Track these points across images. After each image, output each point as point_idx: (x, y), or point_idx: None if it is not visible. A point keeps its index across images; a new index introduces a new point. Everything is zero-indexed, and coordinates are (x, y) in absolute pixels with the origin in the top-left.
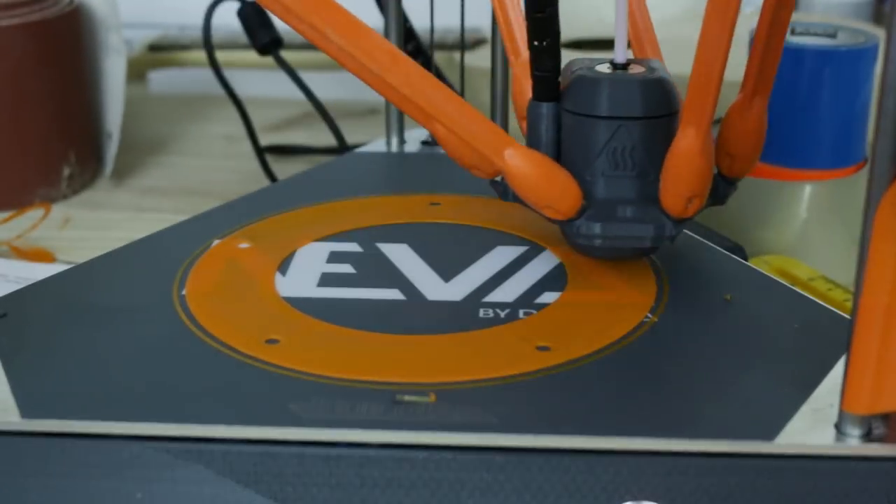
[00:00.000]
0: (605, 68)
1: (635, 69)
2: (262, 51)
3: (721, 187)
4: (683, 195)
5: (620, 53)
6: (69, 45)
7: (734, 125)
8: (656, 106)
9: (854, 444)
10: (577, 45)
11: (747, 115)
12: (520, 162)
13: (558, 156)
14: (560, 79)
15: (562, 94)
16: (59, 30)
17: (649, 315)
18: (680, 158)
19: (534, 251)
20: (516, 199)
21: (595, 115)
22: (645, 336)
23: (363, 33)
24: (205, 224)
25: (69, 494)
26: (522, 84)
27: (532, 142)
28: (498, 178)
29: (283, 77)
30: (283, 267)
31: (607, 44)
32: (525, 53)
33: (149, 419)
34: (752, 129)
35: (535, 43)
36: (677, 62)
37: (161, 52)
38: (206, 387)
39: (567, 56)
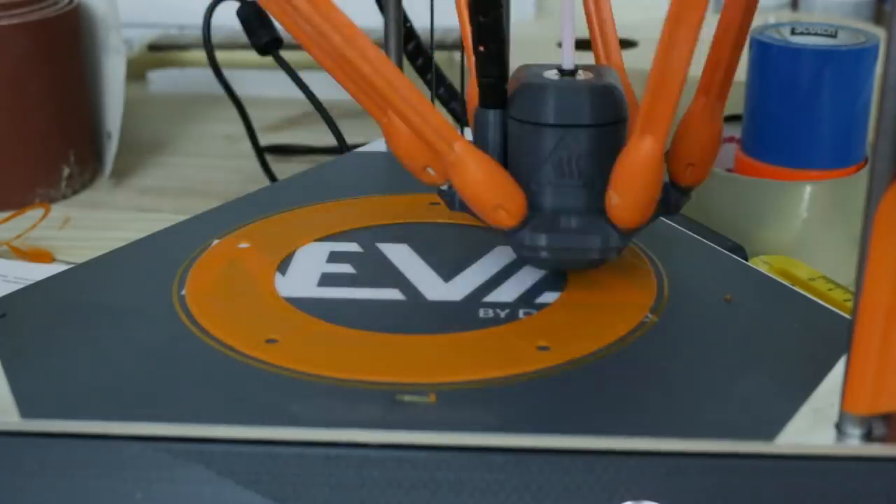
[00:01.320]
0: (552, 75)
1: (584, 76)
2: (262, 51)
3: (673, 197)
4: (634, 207)
5: (568, 59)
6: (69, 44)
7: (695, 132)
8: (604, 113)
9: (854, 445)
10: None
11: (710, 120)
12: (469, 156)
13: (505, 164)
14: (507, 85)
15: (508, 100)
16: (58, 29)
17: (649, 315)
18: (635, 168)
19: None
20: (463, 207)
21: (541, 123)
22: (645, 336)
23: (325, 2)
24: (205, 224)
25: (69, 494)
26: (474, 91)
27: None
28: (445, 187)
29: (283, 77)
30: (283, 267)
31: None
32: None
33: (149, 419)
34: (714, 135)
35: (480, 49)
36: None
37: (161, 52)
38: (206, 387)
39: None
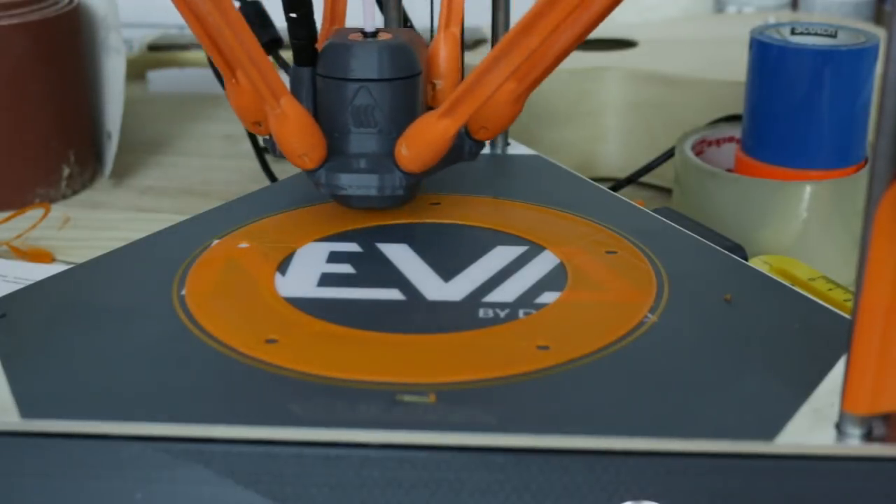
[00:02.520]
0: (356, 36)
1: (382, 37)
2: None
3: (468, 146)
4: (420, 161)
5: (368, 22)
6: (69, 44)
7: (498, 109)
8: (396, 69)
9: (854, 445)
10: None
11: (514, 103)
12: (290, 109)
13: (316, 116)
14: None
15: (318, 59)
16: (58, 29)
17: (649, 315)
18: (427, 137)
19: (534, 251)
20: (281, 154)
21: (341, 78)
22: (645, 336)
23: None
24: (205, 224)
25: (69, 494)
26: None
27: None
28: (268, 136)
29: (282, 77)
30: (283, 267)
31: (608, 44)
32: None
33: (149, 419)
34: (514, 114)
35: (292, 15)
36: (678, 62)
37: (161, 52)
38: (206, 387)
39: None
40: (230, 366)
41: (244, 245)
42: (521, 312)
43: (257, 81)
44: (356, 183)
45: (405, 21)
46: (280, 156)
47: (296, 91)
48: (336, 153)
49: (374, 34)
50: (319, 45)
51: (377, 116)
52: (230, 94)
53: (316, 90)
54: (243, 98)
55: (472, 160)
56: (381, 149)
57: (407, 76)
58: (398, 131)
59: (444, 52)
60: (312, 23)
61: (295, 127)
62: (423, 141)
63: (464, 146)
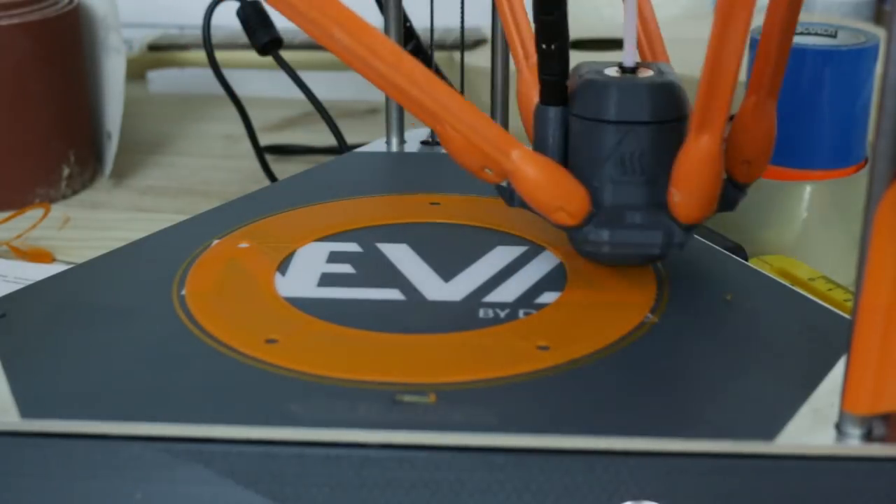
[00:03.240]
0: (613, 72)
1: (644, 73)
2: (262, 51)
3: (730, 193)
4: (695, 203)
5: (629, 57)
6: (69, 44)
7: (748, 129)
8: (666, 110)
9: (854, 445)
10: (578, 44)
11: (762, 118)
12: (527, 164)
13: (565, 161)
14: (567, 83)
15: (570, 98)
16: (58, 29)
17: (649, 315)
18: (693, 165)
19: (534, 251)
20: (522, 203)
21: (603, 120)
22: (645, 336)
23: (368, 32)
24: (205, 224)
25: (69, 494)
26: (529, 88)
27: (539, 146)
28: (504, 184)
29: (283, 77)
30: (283, 267)
31: (608, 43)
32: (534, 57)
33: (149, 419)
34: (767, 133)
35: (543, 46)
36: (678, 62)
37: (161, 52)
38: (206, 387)
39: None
40: (230, 366)
41: (244, 245)
42: (521, 312)
43: (474, 141)
44: (637, 240)
45: (405, 21)
46: (520, 205)
47: (540, 133)
48: (595, 205)
49: (634, 69)
50: (535, 79)
51: (645, 164)
52: (443, 142)
53: (567, 133)
54: (457, 145)
55: (732, 209)
56: (649, 199)
57: (677, 118)
58: (665, 180)
59: None
60: (567, 57)
61: (542, 180)
62: (691, 173)
63: (726, 193)
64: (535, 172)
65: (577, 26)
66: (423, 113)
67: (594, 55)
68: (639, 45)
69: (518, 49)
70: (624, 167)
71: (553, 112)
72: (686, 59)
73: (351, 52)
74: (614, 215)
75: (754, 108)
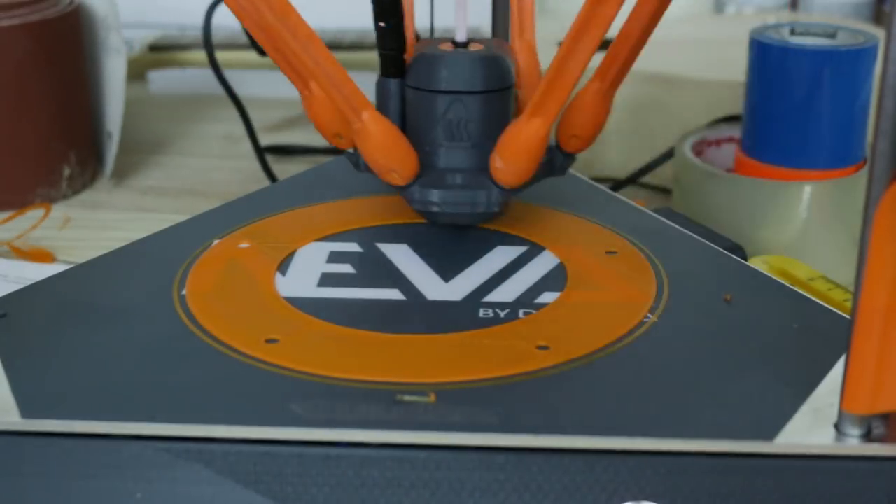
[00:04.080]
0: (446, 47)
1: (475, 47)
2: (262, 51)
3: (559, 159)
4: (516, 172)
5: (461, 33)
6: (69, 45)
7: (586, 110)
8: (490, 81)
9: (854, 444)
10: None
11: (600, 103)
12: (373, 125)
13: (404, 129)
14: (405, 56)
15: (406, 70)
16: (59, 30)
17: (649, 315)
18: (521, 143)
19: (534, 251)
20: (367, 168)
21: (433, 90)
22: (645, 336)
23: None
24: (205, 224)
25: (69, 494)
26: (314, 103)
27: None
28: (351, 151)
29: (283, 77)
30: (283, 267)
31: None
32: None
33: (149, 419)
34: (602, 115)
35: (381, 24)
36: (678, 62)
37: (161, 52)
38: (206, 387)
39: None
40: (230, 366)
41: (244, 245)
42: (521, 312)
43: (334, 96)
44: (452, 200)
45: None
46: (365, 170)
47: (382, 103)
48: (427, 168)
49: (466, 44)
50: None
51: (471, 130)
52: (306, 106)
53: (405, 102)
54: (320, 110)
55: (562, 175)
56: (475, 164)
57: (502, 88)
58: (491, 146)
59: (522, 62)
60: (402, 33)
61: (381, 141)
62: (516, 148)
63: (554, 160)
64: (377, 133)
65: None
66: (295, 70)
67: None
68: (511, 24)
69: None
70: (452, 133)
71: (392, 84)
72: (685, 60)
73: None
74: (440, 176)
75: (595, 94)
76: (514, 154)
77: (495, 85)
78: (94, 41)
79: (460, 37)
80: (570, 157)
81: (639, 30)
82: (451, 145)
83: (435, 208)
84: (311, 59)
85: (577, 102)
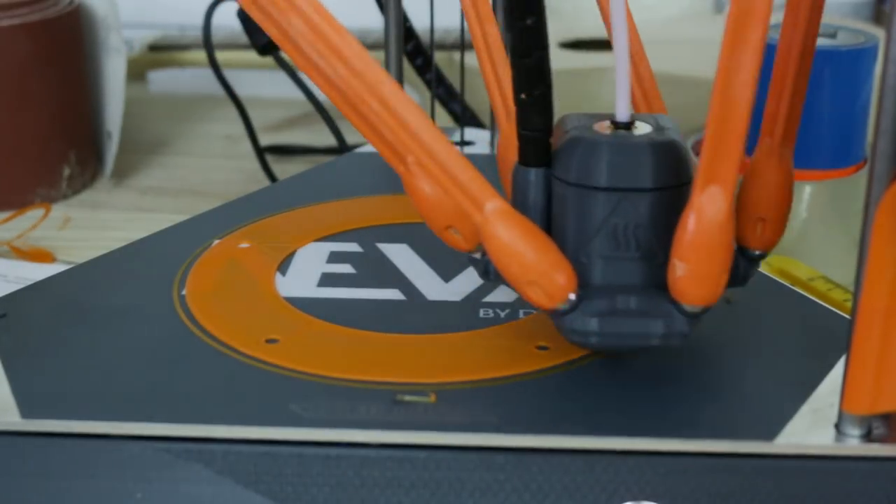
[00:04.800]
0: (604, 127)
1: (641, 128)
2: (262, 51)
3: (741, 265)
4: (704, 277)
5: (623, 110)
6: (69, 45)
7: (763, 179)
8: (667, 175)
9: (854, 445)
10: (578, 44)
11: (778, 165)
12: (502, 221)
13: (549, 231)
14: (551, 139)
15: (553, 157)
16: (59, 30)
17: None
18: (702, 233)
19: None
20: (498, 276)
21: (593, 186)
22: None
23: (332, 25)
24: (205, 224)
25: (69, 494)
26: (509, 144)
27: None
28: (477, 254)
29: (283, 77)
30: (283, 267)
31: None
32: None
33: (149, 419)
34: (785, 183)
35: (522, 96)
36: (678, 62)
37: (161, 52)
38: (206, 387)
39: (566, 57)
40: (230, 366)
41: (244, 245)
42: (521, 312)
43: (445, 183)
44: (631, 330)
45: (405, 21)
46: (497, 280)
47: (519, 197)
48: (583, 285)
49: (629, 125)
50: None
51: (642, 237)
52: (406, 186)
53: (551, 199)
54: (423, 193)
55: (741, 286)
56: (646, 279)
57: (681, 184)
58: (665, 256)
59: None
60: (550, 108)
61: (519, 244)
62: (699, 240)
63: (737, 266)
64: (509, 233)
65: (577, 26)
66: (385, 141)
67: (595, 55)
68: (634, 101)
69: (497, 98)
70: (617, 241)
71: (534, 174)
72: (686, 60)
73: (306, 43)
74: (605, 299)
75: (768, 154)
76: (696, 249)
77: (672, 180)
78: (94, 41)
79: (622, 115)
80: (754, 261)
81: (797, 50)
82: (616, 255)
83: (596, 339)
84: (408, 132)
85: (750, 174)
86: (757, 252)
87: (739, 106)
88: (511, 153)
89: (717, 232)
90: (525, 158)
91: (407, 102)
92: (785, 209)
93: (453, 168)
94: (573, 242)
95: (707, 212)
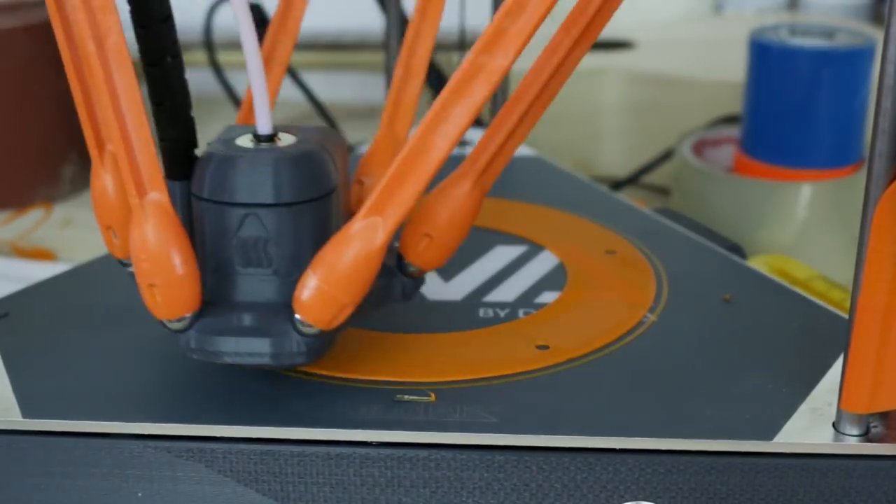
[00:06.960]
0: (245, 141)
1: (284, 140)
2: None
3: (400, 284)
4: (328, 305)
5: (263, 123)
6: None
7: (448, 197)
8: (296, 189)
9: (852, 443)
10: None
11: (469, 192)
12: (156, 212)
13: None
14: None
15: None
16: None
17: (649, 315)
18: (345, 258)
19: (533, 251)
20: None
21: (221, 202)
22: (645, 336)
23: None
24: None
25: (70, 493)
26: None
27: None
28: (129, 263)
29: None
30: None
31: (607, 45)
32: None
33: (149, 419)
34: (466, 213)
35: (156, 104)
36: (677, 63)
37: None
38: (206, 387)
39: None
40: (230, 366)
41: None
42: (520, 312)
43: (122, 161)
44: (237, 349)
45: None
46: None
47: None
48: (216, 300)
49: (271, 137)
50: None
51: (273, 254)
52: (93, 174)
53: (192, 214)
54: (102, 187)
55: (406, 302)
56: (278, 296)
57: (314, 198)
58: (300, 273)
59: (378, 156)
60: (188, 118)
61: (153, 242)
62: (336, 263)
63: (393, 284)
64: (154, 228)
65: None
66: (93, 121)
67: (592, 57)
68: (384, 112)
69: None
70: (248, 257)
71: (178, 187)
72: (684, 61)
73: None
74: (221, 316)
75: (464, 176)
76: (333, 274)
77: (305, 194)
78: None
79: (262, 128)
80: (415, 282)
81: (531, 92)
82: (248, 273)
83: (198, 356)
84: (115, 111)
85: (440, 194)
86: (414, 268)
87: (434, 154)
88: (103, 196)
89: (362, 262)
90: (166, 170)
91: (125, 71)
92: (454, 236)
93: (136, 149)
94: (210, 257)
95: (359, 239)
